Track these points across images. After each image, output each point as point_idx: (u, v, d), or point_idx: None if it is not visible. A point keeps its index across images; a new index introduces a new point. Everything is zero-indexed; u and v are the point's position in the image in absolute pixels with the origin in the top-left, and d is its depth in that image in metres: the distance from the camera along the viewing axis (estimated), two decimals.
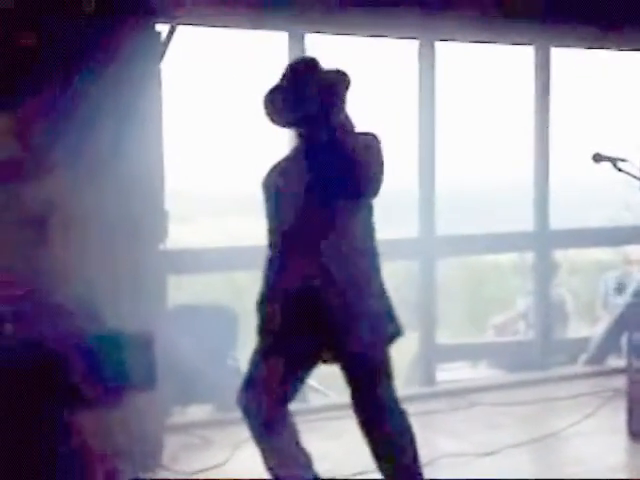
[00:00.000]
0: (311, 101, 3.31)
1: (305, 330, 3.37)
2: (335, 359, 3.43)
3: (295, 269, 3.37)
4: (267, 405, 3.40)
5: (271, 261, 3.44)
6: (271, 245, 3.46)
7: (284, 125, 3.45)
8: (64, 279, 4.16)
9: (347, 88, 3.38)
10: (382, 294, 3.45)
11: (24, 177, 4.12)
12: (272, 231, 3.46)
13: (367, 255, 3.42)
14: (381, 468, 3.48)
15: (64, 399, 3.94)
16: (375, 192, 3.35)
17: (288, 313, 3.38)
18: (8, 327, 3.88)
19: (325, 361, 3.47)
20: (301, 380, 3.54)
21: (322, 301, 3.34)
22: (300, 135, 3.45)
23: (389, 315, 3.45)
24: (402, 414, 3.47)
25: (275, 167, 3.53)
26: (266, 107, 3.40)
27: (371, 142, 3.35)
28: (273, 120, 3.42)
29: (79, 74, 4.16)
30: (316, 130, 3.31)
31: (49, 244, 4.17)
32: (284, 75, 3.41)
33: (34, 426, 3.82)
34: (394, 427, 3.44)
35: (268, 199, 3.47)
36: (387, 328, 3.43)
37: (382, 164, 3.32)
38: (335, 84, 3.35)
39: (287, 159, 3.53)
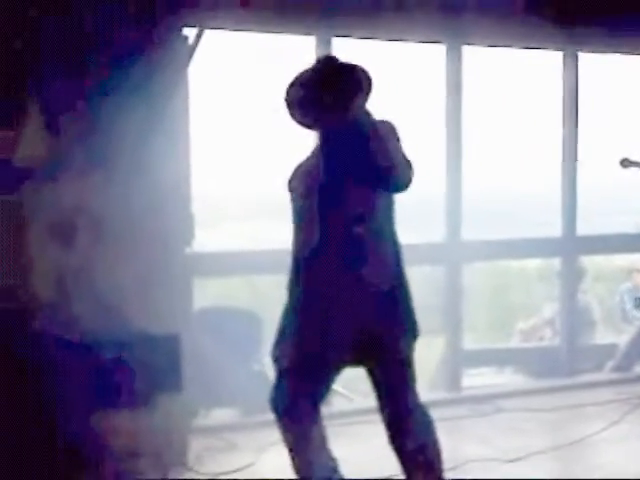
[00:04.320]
0: (330, 99, 3.31)
1: (338, 329, 3.36)
2: (365, 354, 3.42)
3: (324, 267, 3.37)
4: (299, 399, 3.41)
5: (299, 263, 3.44)
6: (297, 247, 3.46)
7: (303, 122, 3.45)
8: (92, 282, 4.18)
9: (369, 86, 3.38)
10: (406, 286, 3.44)
11: (52, 180, 4.15)
12: (298, 231, 3.45)
13: (391, 245, 3.40)
14: (407, 473, 3.47)
15: (86, 402, 3.97)
16: (407, 184, 3.31)
17: (320, 314, 3.39)
18: (36, 325, 3.92)
19: (355, 361, 3.46)
20: (331, 379, 3.53)
21: (353, 294, 3.32)
22: (321, 133, 3.45)
23: (410, 310, 3.45)
24: (427, 417, 3.46)
25: (299, 167, 3.53)
26: (286, 104, 3.41)
27: (391, 131, 3.32)
28: (293, 116, 3.42)
29: (107, 78, 4.18)
30: (333, 129, 3.32)
31: (77, 247, 4.20)
32: (305, 72, 3.41)
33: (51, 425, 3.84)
34: (420, 430, 3.43)
35: (293, 200, 3.48)
36: (412, 321, 3.42)
37: (403, 150, 3.30)
38: (356, 82, 3.35)
39: (310, 158, 3.52)
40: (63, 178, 4.17)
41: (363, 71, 3.38)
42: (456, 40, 5.53)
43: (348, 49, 5.21)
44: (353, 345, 3.37)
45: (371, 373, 3.46)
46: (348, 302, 3.32)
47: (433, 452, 3.47)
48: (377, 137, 3.25)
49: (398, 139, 3.32)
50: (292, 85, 3.40)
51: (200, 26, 4.40)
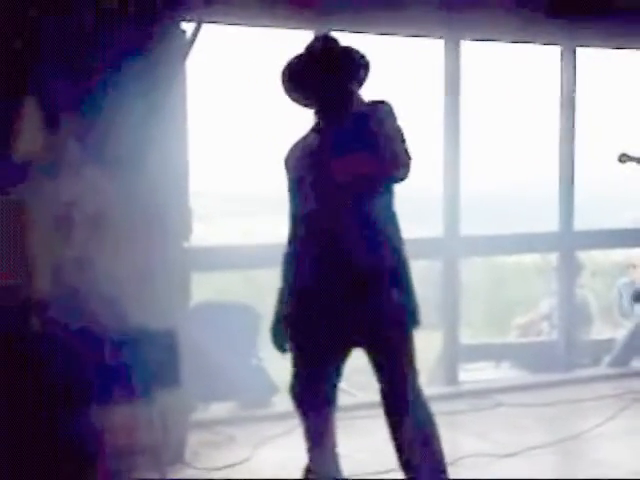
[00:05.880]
0: (327, 79, 3.32)
1: (335, 317, 3.37)
2: (364, 340, 3.42)
3: (318, 252, 3.36)
4: (319, 387, 3.46)
5: (293, 250, 3.44)
6: (292, 231, 3.45)
7: (299, 100, 3.43)
8: (89, 277, 4.18)
9: (366, 69, 3.38)
10: (406, 271, 3.43)
11: (51, 176, 4.15)
12: (293, 214, 3.45)
13: (390, 229, 3.40)
14: (405, 464, 3.48)
15: (84, 396, 3.97)
16: (405, 174, 3.29)
17: (314, 304, 3.39)
18: (35, 322, 3.91)
19: (354, 344, 3.47)
20: (340, 366, 3.54)
21: (349, 277, 3.32)
22: (317, 113, 3.44)
23: (412, 299, 3.44)
24: (428, 410, 3.47)
25: (297, 145, 3.50)
26: (282, 81, 3.40)
27: (388, 113, 3.30)
28: (290, 95, 3.42)
29: (104, 73, 4.18)
30: (333, 110, 3.33)
31: (75, 242, 4.20)
32: (303, 52, 3.41)
33: (47, 422, 3.84)
34: (421, 422, 3.44)
35: (289, 180, 3.47)
36: (411, 310, 3.42)
37: (403, 135, 3.27)
38: (353, 63, 3.35)
39: (307, 137, 3.49)
40: (61, 174, 4.17)
41: (359, 52, 3.40)
42: (454, 35, 5.53)
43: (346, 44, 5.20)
44: (350, 329, 3.38)
45: (370, 357, 3.46)
46: (344, 286, 3.32)
47: (433, 444, 3.47)
48: (379, 127, 3.23)
49: (396, 120, 3.30)
50: (289, 63, 3.40)
51: (198, 20, 4.40)
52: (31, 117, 4.12)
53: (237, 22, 5.04)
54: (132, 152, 4.28)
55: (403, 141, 3.27)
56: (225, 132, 9.29)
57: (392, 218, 3.42)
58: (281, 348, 3.53)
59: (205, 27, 4.45)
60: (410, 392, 3.42)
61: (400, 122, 3.30)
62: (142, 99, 4.27)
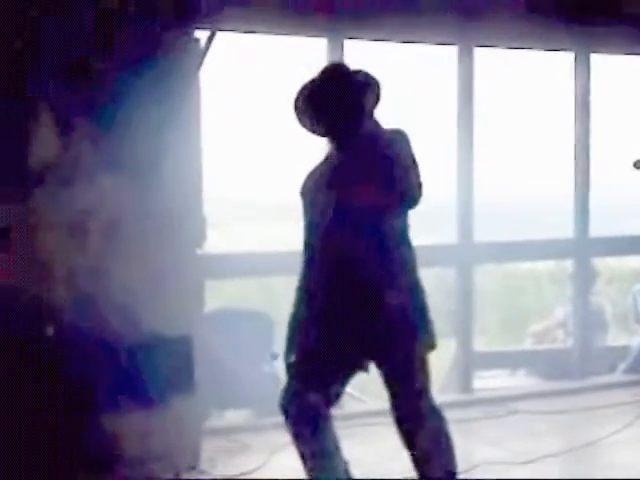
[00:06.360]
0: (337, 108, 3.32)
1: (344, 333, 3.36)
2: (372, 358, 3.42)
3: (328, 274, 3.36)
4: (310, 403, 3.42)
5: (306, 274, 3.44)
6: (306, 255, 3.45)
7: (312, 130, 3.45)
8: (104, 284, 4.19)
9: (377, 93, 3.38)
10: (420, 293, 3.43)
11: (65, 183, 4.16)
12: (307, 242, 3.45)
13: (404, 251, 3.40)
14: (419, 473, 3.47)
15: (98, 403, 3.98)
16: (417, 200, 3.32)
17: (326, 319, 3.39)
18: (49, 330, 3.92)
19: (362, 366, 3.46)
20: (341, 383, 3.53)
21: (362, 301, 3.32)
22: (330, 141, 3.46)
23: (424, 316, 3.43)
24: (441, 418, 3.46)
25: (311, 174, 3.52)
26: (295, 112, 3.41)
27: (402, 143, 3.31)
28: (303, 125, 3.43)
29: (119, 80, 4.19)
30: (344, 137, 3.33)
31: (90, 249, 4.21)
32: (313, 80, 3.42)
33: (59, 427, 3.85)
34: (432, 432, 3.43)
35: (305, 208, 3.48)
36: (422, 326, 3.41)
37: (417, 166, 3.29)
38: (363, 90, 3.34)
39: (323, 165, 3.51)
40: (75, 181, 4.18)
41: (371, 77, 3.39)
42: (468, 42, 5.53)
43: (359, 51, 5.21)
44: (362, 347, 3.37)
45: (383, 374, 3.45)
46: (357, 309, 3.32)
47: (445, 452, 3.46)
48: (392, 158, 3.25)
49: (410, 149, 3.31)
50: (300, 95, 3.41)
51: (212, 28, 4.41)
52: (46, 124, 4.13)
53: (252, 30, 5.06)
54: (146, 159, 4.30)
55: (416, 171, 3.29)
56: (240, 139, 9.30)
57: (405, 244, 3.41)
58: (287, 358, 3.53)
59: (219, 35, 4.46)
60: (422, 409, 3.41)
61: (414, 151, 3.31)
62: (156, 106, 4.28)
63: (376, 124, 3.39)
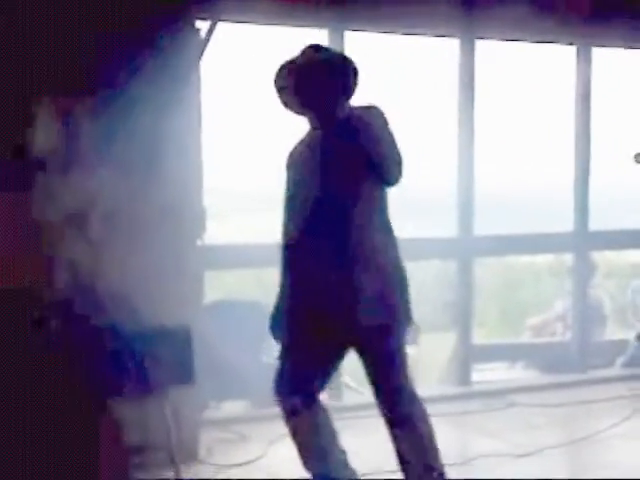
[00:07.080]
0: (315, 87, 3.36)
1: (325, 316, 3.39)
2: (354, 341, 3.45)
3: (313, 254, 3.39)
4: (299, 390, 3.48)
5: (288, 250, 3.47)
6: (286, 231, 3.49)
7: (293, 110, 3.47)
8: (104, 275, 4.19)
9: (355, 75, 3.40)
10: (401, 274, 3.45)
11: (65, 175, 4.16)
12: (289, 214, 3.48)
13: (383, 234, 3.42)
14: (403, 466, 3.51)
15: (100, 393, 3.97)
16: (397, 179, 3.37)
17: (308, 301, 3.43)
18: (53, 323, 3.93)
19: (346, 345, 3.49)
20: (330, 368, 3.60)
21: (342, 280, 3.35)
22: (310, 120, 3.48)
23: (404, 297, 3.45)
24: (419, 406, 3.49)
25: (294, 151, 3.56)
26: (276, 90, 3.45)
27: (379, 119, 3.34)
28: (283, 103, 3.45)
29: (119, 71, 4.19)
30: (323, 116, 3.38)
31: (89, 240, 4.21)
32: (292, 60, 3.45)
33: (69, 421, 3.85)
34: (413, 420, 3.47)
35: (288, 182, 3.52)
36: (401, 306, 3.44)
37: (395, 141, 3.33)
38: (341, 71, 3.38)
39: (304, 143, 3.55)
40: (75, 173, 4.18)
41: (349, 60, 3.45)
42: (469, 34, 5.52)
43: (360, 43, 5.21)
44: (342, 330, 3.40)
45: (362, 360, 3.50)
46: (337, 288, 3.35)
47: (426, 441, 3.48)
48: (370, 133, 3.29)
49: (387, 123, 3.35)
50: (279, 74, 3.45)
51: (212, 18, 4.40)
52: (46, 116, 4.13)
53: (252, 20, 5.05)
54: (146, 151, 4.29)
55: (394, 144, 3.33)
56: (240, 129, 9.29)
57: (385, 223, 3.44)
58: (278, 338, 3.57)
59: (220, 25, 4.45)
60: (401, 392, 3.46)
61: (390, 126, 3.34)
62: (156, 97, 4.27)
63: (350, 106, 3.42)
